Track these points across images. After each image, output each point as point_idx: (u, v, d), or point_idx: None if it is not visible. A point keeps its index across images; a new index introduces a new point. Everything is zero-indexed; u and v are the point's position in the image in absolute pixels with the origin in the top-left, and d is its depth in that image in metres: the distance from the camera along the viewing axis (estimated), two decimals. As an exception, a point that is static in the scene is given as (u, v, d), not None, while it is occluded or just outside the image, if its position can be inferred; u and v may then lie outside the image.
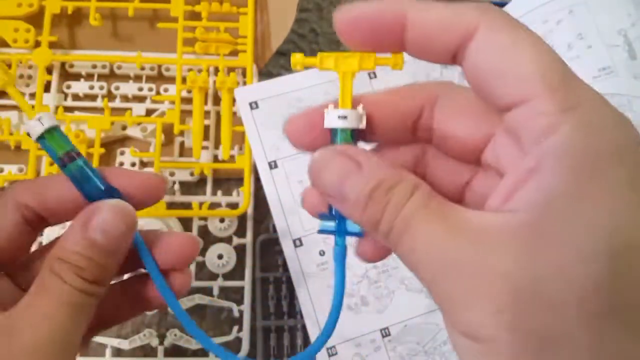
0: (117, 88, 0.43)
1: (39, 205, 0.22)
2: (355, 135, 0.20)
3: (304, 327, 0.38)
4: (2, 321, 0.19)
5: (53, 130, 0.21)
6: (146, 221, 0.39)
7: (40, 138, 0.21)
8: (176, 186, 0.42)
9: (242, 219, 0.41)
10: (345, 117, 0.19)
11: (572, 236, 0.15)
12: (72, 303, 0.19)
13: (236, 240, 0.41)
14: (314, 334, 0.37)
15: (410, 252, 0.17)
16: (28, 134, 0.21)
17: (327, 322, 0.21)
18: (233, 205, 0.42)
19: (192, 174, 0.42)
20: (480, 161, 0.19)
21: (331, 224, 0.20)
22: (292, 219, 0.39)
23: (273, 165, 0.40)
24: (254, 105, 0.41)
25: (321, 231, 0.20)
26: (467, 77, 0.18)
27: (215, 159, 0.43)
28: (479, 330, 0.15)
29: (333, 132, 0.20)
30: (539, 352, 0.15)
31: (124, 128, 0.43)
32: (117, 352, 0.38)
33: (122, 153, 0.43)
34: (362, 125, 0.19)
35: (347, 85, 0.20)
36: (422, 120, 0.20)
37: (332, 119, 0.19)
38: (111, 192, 0.22)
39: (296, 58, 0.20)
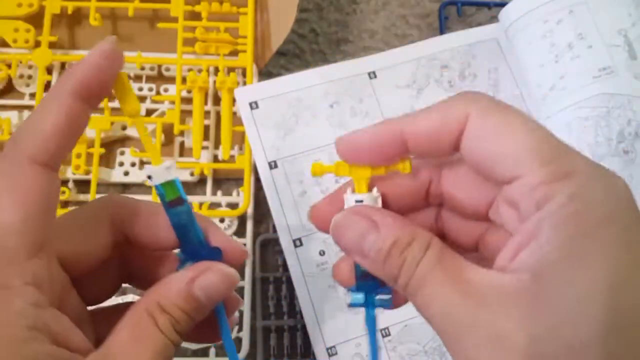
0: (117, 88, 0.43)
1: (133, 228, 0.22)
2: None
3: (304, 327, 0.38)
4: None
5: (173, 181, 0.22)
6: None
7: (159, 185, 0.21)
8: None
9: (242, 219, 0.41)
10: (361, 202, 0.21)
11: (563, 300, 0.16)
12: (164, 353, 0.20)
13: (236, 241, 0.41)
14: (314, 334, 0.37)
15: (426, 308, 0.19)
16: (149, 177, 0.21)
17: None
18: (233, 205, 0.42)
19: (192, 174, 0.42)
20: (489, 218, 0.21)
21: (361, 297, 0.22)
22: (292, 219, 0.39)
23: (273, 165, 0.40)
24: (254, 105, 0.41)
25: (352, 305, 0.22)
26: (464, 158, 0.19)
27: (215, 159, 0.43)
28: None
29: None
30: None
31: (124, 128, 0.43)
32: (117, 352, 0.38)
33: (122, 153, 0.43)
34: (378, 206, 0.21)
35: (362, 183, 0.21)
36: (432, 189, 0.21)
37: (349, 204, 0.21)
38: (213, 251, 0.22)
39: (315, 167, 0.21)
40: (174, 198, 0.21)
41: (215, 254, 0.22)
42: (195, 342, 0.27)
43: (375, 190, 0.21)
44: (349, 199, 0.21)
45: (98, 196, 0.40)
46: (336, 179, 0.38)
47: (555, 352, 0.16)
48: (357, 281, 0.21)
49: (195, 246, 0.22)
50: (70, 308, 0.20)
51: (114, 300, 0.25)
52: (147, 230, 0.22)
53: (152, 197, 0.40)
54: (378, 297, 0.22)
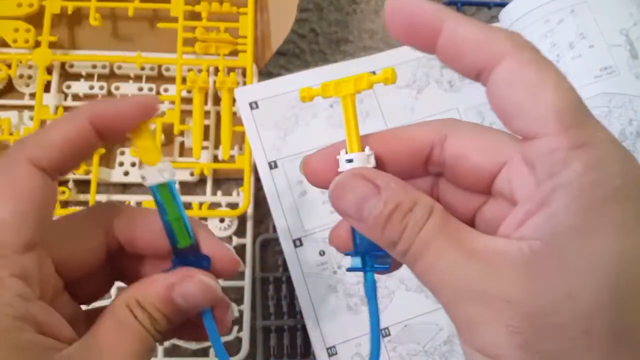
0: (117, 88, 0.43)
1: (125, 236, 0.23)
2: None
3: (304, 327, 0.38)
4: (81, 352, 0.19)
5: (167, 184, 0.22)
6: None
7: (154, 186, 0.22)
8: (176, 186, 0.42)
9: (242, 219, 0.41)
10: (351, 161, 0.20)
11: (579, 268, 0.16)
12: (146, 344, 0.20)
13: (236, 240, 0.40)
14: (314, 334, 0.37)
15: (427, 274, 0.18)
16: (143, 178, 0.21)
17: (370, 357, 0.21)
18: (233, 205, 0.42)
19: (192, 174, 0.42)
20: (490, 190, 0.20)
21: (358, 261, 0.21)
22: (292, 219, 0.39)
23: (273, 165, 0.40)
24: (254, 105, 0.41)
25: (351, 269, 0.21)
26: (488, 99, 0.18)
27: (215, 159, 0.43)
28: (493, 349, 0.17)
29: None
30: None
31: (124, 128, 0.43)
32: (117, 352, 0.38)
33: (122, 153, 0.43)
34: (371, 165, 0.20)
35: (350, 117, 0.20)
36: (433, 157, 0.21)
37: (342, 164, 0.20)
38: (202, 259, 0.23)
39: (304, 92, 0.21)
40: (170, 204, 0.22)
41: (203, 262, 0.23)
42: (192, 340, 0.27)
43: (367, 149, 0.20)
44: (342, 158, 0.20)
45: (98, 196, 0.40)
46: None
47: (571, 319, 0.16)
48: (355, 245, 0.21)
49: (186, 252, 0.22)
50: (63, 310, 0.21)
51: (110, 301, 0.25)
52: (140, 238, 0.23)
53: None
54: (376, 260, 0.21)
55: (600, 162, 0.16)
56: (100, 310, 0.21)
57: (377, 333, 0.21)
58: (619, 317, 0.16)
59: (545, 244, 0.16)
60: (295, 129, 0.41)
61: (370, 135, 0.21)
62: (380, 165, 0.20)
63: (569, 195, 0.16)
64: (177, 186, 0.42)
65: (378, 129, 0.43)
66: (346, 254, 0.21)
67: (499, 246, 0.17)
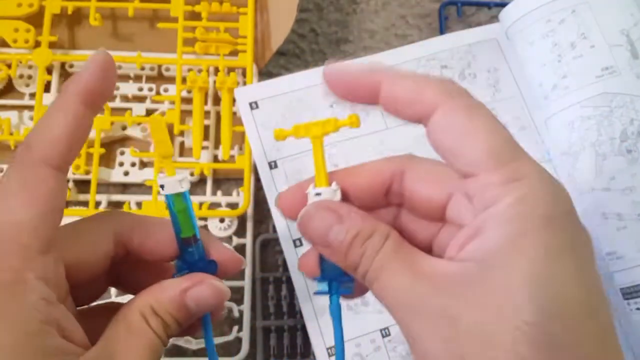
0: (117, 88, 0.43)
1: (137, 243, 0.23)
2: None
3: (303, 327, 0.38)
4: (94, 357, 0.20)
5: (182, 193, 0.23)
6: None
7: (169, 194, 0.22)
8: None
9: (242, 219, 0.41)
10: (319, 194, 0.22)
11: (504, 286, 0.18)
12: (156, 351, 0.21)
13: (236, 240, 0.40)
14: (314, 334, 0.37)
15: (382, 295, 0.20)
16: (161, 187, 0.22)
17: None
18: (233, 205, 0.42)
19: (192, 174, 0.42)
20: (444, 218, 0.22)
21: (325, 286, 0.23)
22: (292, 219, 0.39)
23: (273, 165, 0.40)
24: (254, 105, 0.41)
25: (317, 293, 0.23)
26: (430, 144, 0.21)
27: (215, 159, 0.43)
28: None
29: None
30: None
31: (124, 128, 0.43)
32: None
33: (122, 153, 0.43)
34: (337, 198, 0.22)
35: (319, 155, 0.22)
36: (393, 189, 0.23)
37: (311, 198, 0.22)
38: (209, 263, 0.23)
39: (277, 132, 0.24)
40: (188, 236, 0.23)
41: (211, 267, 0.23)
42: (181, 336, 0.28)
43: (334, 184, 0.22)
44: (311, 193, 0.22)
45: (98, 196, 0.40)
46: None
47: (501, 331, 0.17)
48: (322, 271, 0.23)
49: (194, 257, 0.23)
50: (69, 310, 0.21)
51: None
52: (149, 244, 0.23)
53: (153, 197, 0.40)
54: (341, 285, 0.23)
55: (530, 195, 0.18)
56: (92, 310, 0.22)
57: (342, 353, 0.22)
58: (546, 329, 0.17)
59: (478, 265, 0.18)
60: (295, 129, 0.41)
61: (337, 172, 0.23)
62: (346, 197, 0.22)
63: (499, 223, 0.18)
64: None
65: (378, 129, 0.43)
66: (314, 280, 0.23)
67: (441, 267, 0.19)
